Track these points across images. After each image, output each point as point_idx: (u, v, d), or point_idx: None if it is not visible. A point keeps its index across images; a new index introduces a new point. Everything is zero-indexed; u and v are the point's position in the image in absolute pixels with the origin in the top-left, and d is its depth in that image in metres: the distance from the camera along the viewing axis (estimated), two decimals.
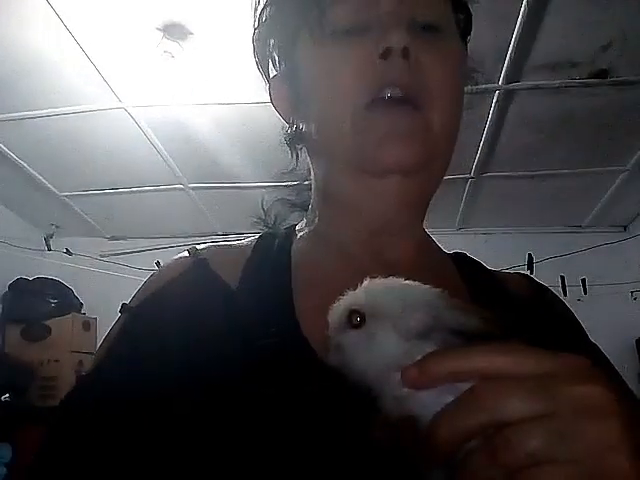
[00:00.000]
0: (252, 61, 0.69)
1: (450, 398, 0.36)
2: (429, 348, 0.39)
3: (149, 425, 0.47)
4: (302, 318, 0.53)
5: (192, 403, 0.47)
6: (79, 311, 3.66)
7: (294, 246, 0.63)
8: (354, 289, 0.44)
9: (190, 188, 3.33)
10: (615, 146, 2.86)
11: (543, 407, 0.34)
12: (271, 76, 0.68)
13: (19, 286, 3.50)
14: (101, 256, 3.86)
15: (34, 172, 3.11)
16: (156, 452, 0.47)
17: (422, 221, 0.66)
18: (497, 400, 0.34)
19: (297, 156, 0.69)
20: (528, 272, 3.44)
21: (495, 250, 3.69)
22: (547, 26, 2.09)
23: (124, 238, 4.00)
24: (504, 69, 2.30)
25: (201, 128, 2.70)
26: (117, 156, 2.96)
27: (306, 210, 0.70)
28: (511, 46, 2.18)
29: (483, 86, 2.38)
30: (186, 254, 0.61)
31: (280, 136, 0.69)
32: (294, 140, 0.68)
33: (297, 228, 0.68)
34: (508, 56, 2.23)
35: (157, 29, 2.11)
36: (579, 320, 0.67)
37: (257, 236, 0.66)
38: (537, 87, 2.43)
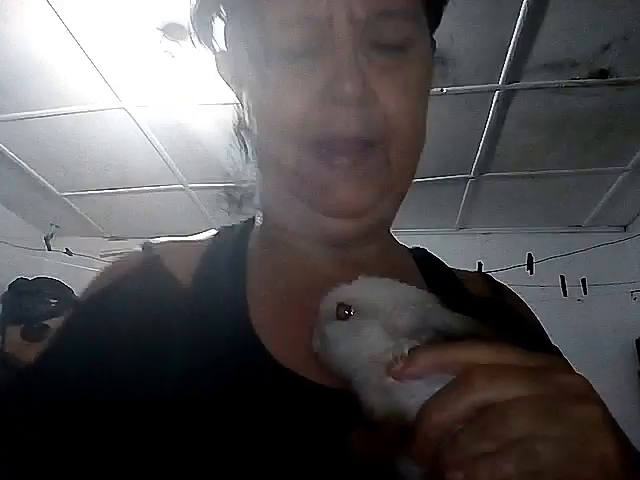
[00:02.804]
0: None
1: (438, 388, 0.37)
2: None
3: (80, 425, 0.46)
4: (256, 320, 0.51)
5: (132, 405, 0.46)
6: None
7: (250, 243, 0.60)
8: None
9: (190, 188, 3.33)
10: (615, 146, 2.85)
11: (532, 389, 0.36)
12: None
13: (19, 286, 3.50)
14: (101, 256, 3.85)
15: (34, 172, 3.11)
16: (86, 452, 0.46)
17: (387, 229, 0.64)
18: (489, 380, 0.36)
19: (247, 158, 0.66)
20: (528, 272, 3.44)
21: (495, 250, 3.69)
22: (547, 26, 2.08)
23: (124, 238, 3.99)
24: (504, 69, 2.30)
25: (201, 128, 2.70)
26: (117, 156, 2.96)
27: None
28: (511, 46, 2.17)
29: (483, 86, 2.39)
30: (139, 249, 0.58)
31: None
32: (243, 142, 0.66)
33: (255, 222, 0.64)
34: (508, 56, 2.23)
35: (157, 29, 2.11)
36: (540, 321, 0.67)
37: (214, 231, 0.63)
38: (537, 87, 2.43)
